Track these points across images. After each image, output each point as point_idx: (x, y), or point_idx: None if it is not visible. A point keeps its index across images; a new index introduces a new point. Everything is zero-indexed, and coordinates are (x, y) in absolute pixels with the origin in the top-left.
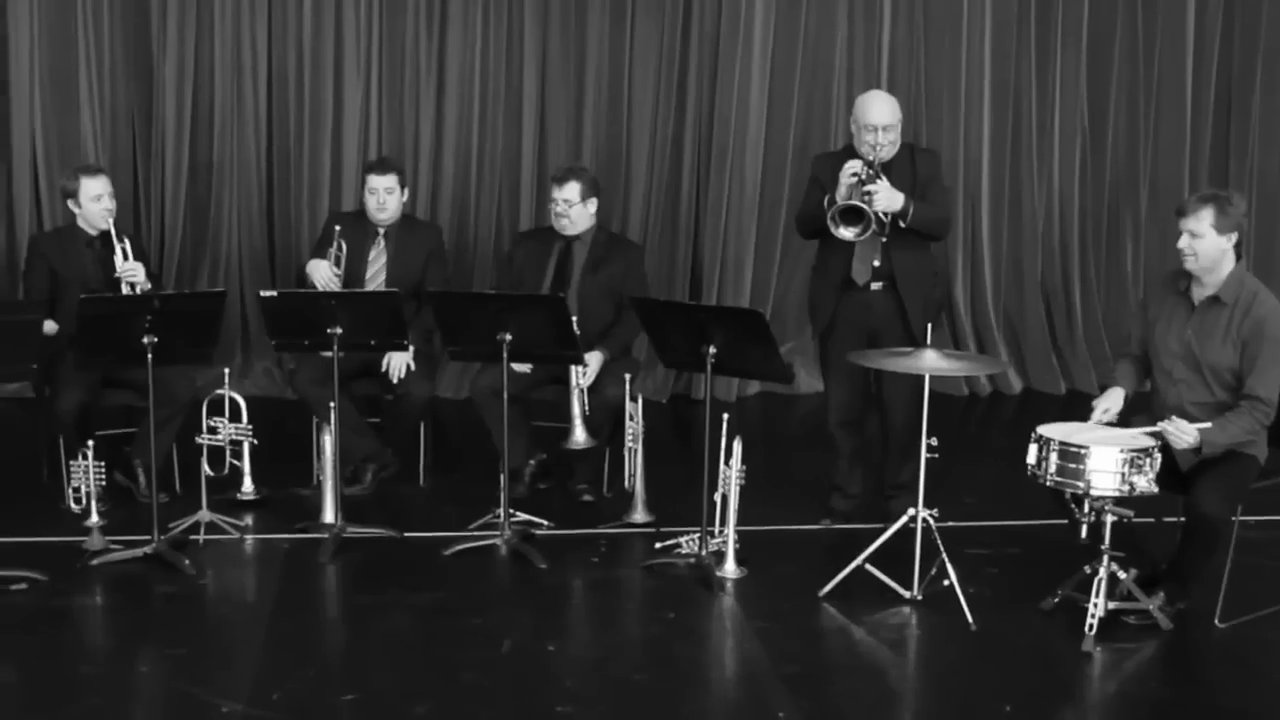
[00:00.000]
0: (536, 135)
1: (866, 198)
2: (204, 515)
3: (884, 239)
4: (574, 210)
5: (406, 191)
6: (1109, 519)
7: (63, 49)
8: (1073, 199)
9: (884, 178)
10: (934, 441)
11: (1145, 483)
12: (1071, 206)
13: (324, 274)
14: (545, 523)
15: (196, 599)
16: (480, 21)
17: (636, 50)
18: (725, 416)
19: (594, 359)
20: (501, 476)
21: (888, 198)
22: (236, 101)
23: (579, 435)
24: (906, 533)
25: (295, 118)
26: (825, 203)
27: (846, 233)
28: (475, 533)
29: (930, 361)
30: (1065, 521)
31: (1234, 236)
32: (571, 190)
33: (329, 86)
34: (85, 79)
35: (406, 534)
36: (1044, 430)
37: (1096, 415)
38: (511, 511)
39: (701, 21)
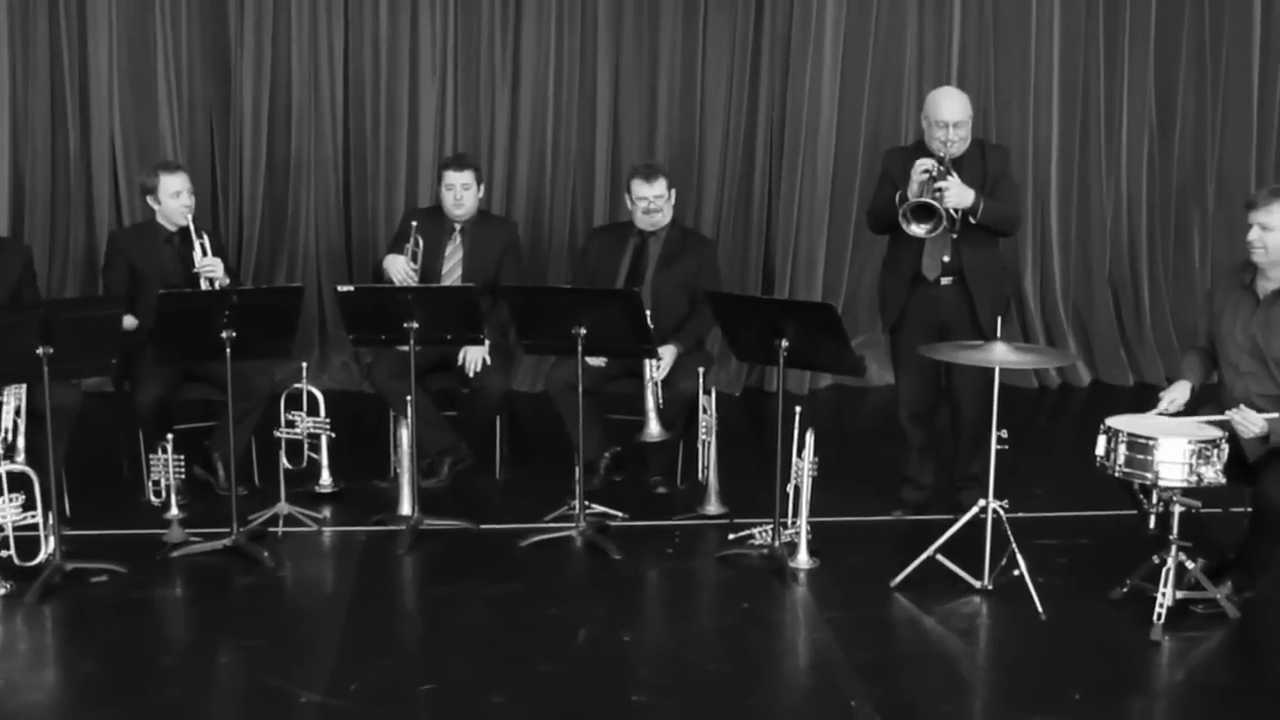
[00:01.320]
0: (610, 131)
1: (938, 194)
2: (282, 508)
3: (954, 235)
4: (665, 205)
5: (482, 187)
6: (1177, 509)
7: (141, 47)
8: (1140, 194)
9: (955, 174)
10: (1004, 433)
11: (1213, 473)
12: (1139, 201)
13: (401, 269)
14: (620, 514)
15: (275, 590)
16: (554, 18)
17: (709, 47)
18: (798, 409)
19: (668, 353)
20: (577, 469)
21: (958, 194)
22: (314, 98)
23: (653, 428)
24: (977, 523)
25: (372, 114)
26: (897, 199)
27: (918, 229)
28: (551, 524)
29: (1000, 354)
30: (1134, 512)
31: None
32: (660, 186)
33: (405, 83)
34: (163, 76)
35: (483, 526)
36: (1113, 422)
37: (1162, 406)
38: (586, 503)
39: (773, 18)
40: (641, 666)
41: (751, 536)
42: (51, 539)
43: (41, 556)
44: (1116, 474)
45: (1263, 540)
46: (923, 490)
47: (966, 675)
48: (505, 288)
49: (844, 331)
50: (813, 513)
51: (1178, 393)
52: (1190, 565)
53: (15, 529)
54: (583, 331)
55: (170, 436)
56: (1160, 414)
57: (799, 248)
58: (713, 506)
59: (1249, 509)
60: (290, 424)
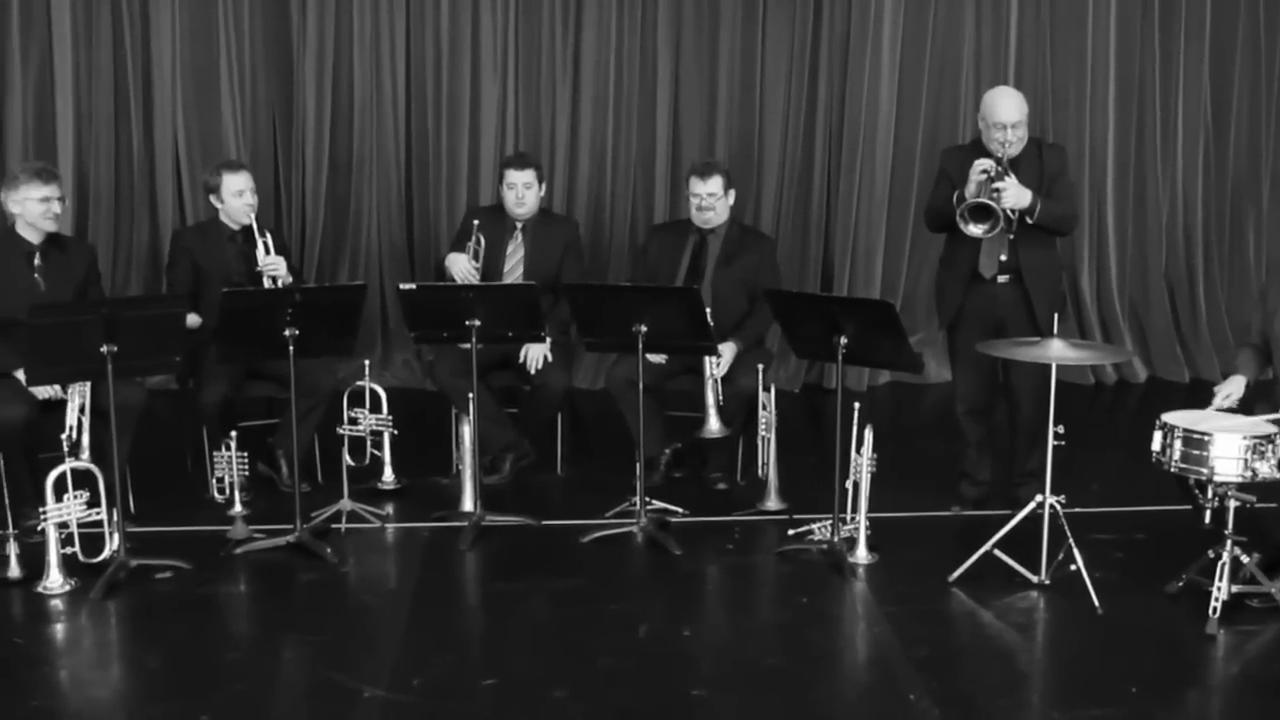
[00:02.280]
0: (670, 130)
1: (995, 195)
2: (345, 504)
3: (1011, 236)
4: (719, 203)
5: (544, 186)
6: (1232, 504)
7: (204, 46)
8: (1196, 191)
9: (1012, 175)
10: (1060, 429)
11: (1268, 468)
12: (1195, 198)
13: (463, 267)
14: (680, 510)
15: (338, 586)
16: (615, 18)
17: (768, 47)
18: (856, 405)
19: (727, 350)
20: (637, 465)
21: (1015, 195)
22: (375, 97)
23: (713, 424)
24: (1034, 519)
25: (433, 113)
26: (954, 199)
27: (975, 229)
28: (611, 520)
29: (1057, 351)
30: (1189, 507)
31: None
32: (715, 183)
33: (466, 82)
34: (226, 75)
35: (544, 522)
36: (1168, 418)
37: (1217, 401)
38: (647, 499)
39: (832, 18)
40: (702, 661)
41: (811, 532)
42: (116, 536)
43: (106, 553)
44: (1172, 469)
45: None
46: (980, 486)
47: (1024, 669)
48: (566, 285)
49: (902, 329)
50: (871, 508)
51: (1233, 387)
52: (1245, 560)
53: (80, 526)
54: (643, 329)
55: (234, 434)
56: (1215, 409)
57: (857, 245)
58: (772, 502)
59: None
60: (353, 421)
